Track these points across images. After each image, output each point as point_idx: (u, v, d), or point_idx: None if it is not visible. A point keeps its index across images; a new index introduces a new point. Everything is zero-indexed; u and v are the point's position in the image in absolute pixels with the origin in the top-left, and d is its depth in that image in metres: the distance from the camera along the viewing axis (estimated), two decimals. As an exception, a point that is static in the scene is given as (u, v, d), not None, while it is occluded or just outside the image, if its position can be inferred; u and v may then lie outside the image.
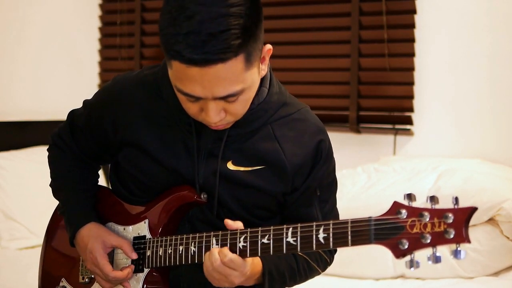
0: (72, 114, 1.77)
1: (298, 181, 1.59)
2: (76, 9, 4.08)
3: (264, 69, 1.51)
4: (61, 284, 1.77)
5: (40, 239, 3.34)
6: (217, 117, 1.44)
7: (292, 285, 1.67)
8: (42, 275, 1.84)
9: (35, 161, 3.56)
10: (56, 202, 1.83)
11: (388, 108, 3.37)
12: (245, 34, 1.36)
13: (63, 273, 1.78)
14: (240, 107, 1.47)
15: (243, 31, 1.36)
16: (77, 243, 1.69)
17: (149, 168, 1.62)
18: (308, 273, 1.68)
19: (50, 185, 1.80)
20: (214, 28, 1.33)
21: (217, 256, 1.47)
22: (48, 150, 1.82)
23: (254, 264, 1.53)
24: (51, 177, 1.80)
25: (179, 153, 1.59)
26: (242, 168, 1.58)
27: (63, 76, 4.03)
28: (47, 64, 3.97)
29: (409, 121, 3.31)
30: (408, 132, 3.33)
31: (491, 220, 2.72)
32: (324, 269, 1.72)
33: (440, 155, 3.21)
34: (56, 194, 1.79)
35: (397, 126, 3.36)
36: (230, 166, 1.58)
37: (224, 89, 1.39)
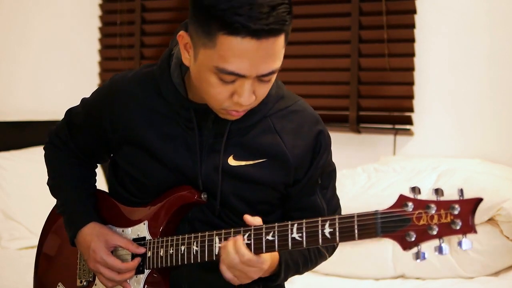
0: (70, 112, 1.77)
1: (300, 172, 1.60)
2: (76, 9, 4.08)
3: None
4: None
5: (40, 239, 3.35)
6: (250, 98, 1.45)
7: (304, 272, 1.68)
8: (37, 280, 1.82)
9: (35, 161, 3.55)
10: (55, 202, 1.83)
11: (388, 108, 3.37)
12: (291, 11, 1.43)
13: (60, 277, 1.77)
14: (267, 90, 1.50)
15: (290, 8, 1.43)
16: (79, 242, 1.68)
17: (148, 167, 1.62)
18: (318, 259, 1.69)
19: (48, 184, 1.80)
20: (272, 1, 1.38)
21: (235, 255, 1.47)
22: (44, 148, 1.81)
23: (272, 256, 1.53)
24: (48, 175, 1.80)
25: (180, 149, 1.59)
26: (243, 162, 1.58)
27: (63, 76, 4.02)
28: (47, 64, 3.97)
29: (409, 121, 3.31)
30: (408, 132, 3.33)
31: (491, 220, 2.72)
32: (331, 254, 1.73)
33: (440, 155, 3.21)
34: (54, 193, 1.78)
35: (397, 126, 3.36)
36: (231, 161, 1.58)
37: (268, 65, 1.42)
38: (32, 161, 3.56)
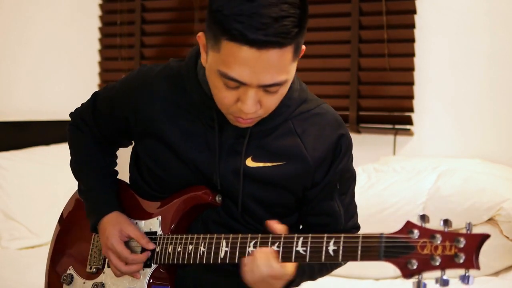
0: (96, 96, 1.78)
1: (319, 175, 1.59)
2: (76, 9, 4.08)
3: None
4: (68, 271, 1.79)
5: (40, 239, 3.37)
6: (253, 107, 1.44)
7: (317, 279, 1.67)
8: (51, 261, 1.85)
9: (35, 161, 3.56)
10: (58, 200, 1.83)
11: (388, 108, 3.37)
12: (300, 24, 1.39)
13: (72, 261, 1.80)
14: (275, 101, 1.48)
15: (299, 21, 1.39)
16: (99, 229, 1.70)
17: (167, 162, 1.63)
18: (333, 266, 1.68)
19: (71, 166, 1.82)
20: (276, 13, 1.36)
21: (266, 268, 1.45)
22: (68, 130, 1.83)
23: (287, 265, 1.50)
24: (71, 157, 1.82)
25: (200, 147, 1.59)
26: (261, 164, 1.57)
27: (63, 76, 4.03)
28: (47, 64, 3.97)
29: (409, 121, 3.31)
30: (408, 132, 3.33)
31: (491, 220, 2.72)
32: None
33: (440, 155, 3.21)
34: (77, 176, 1.80)
35: (397, 126, 3.36)
36: (249, 163, 1.58)
37: (272, 76, 1.40)
38: (32, 161, 3.56)
